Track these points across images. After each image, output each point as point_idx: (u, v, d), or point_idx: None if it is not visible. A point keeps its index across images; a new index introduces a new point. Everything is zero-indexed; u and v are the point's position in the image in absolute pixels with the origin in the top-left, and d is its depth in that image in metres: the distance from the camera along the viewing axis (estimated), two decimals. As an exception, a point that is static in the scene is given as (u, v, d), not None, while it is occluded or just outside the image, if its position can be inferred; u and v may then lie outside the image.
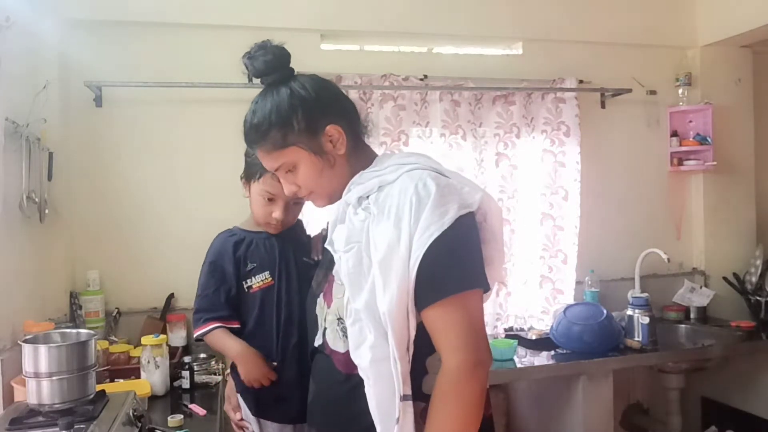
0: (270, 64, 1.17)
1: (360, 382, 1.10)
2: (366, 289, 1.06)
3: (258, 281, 1.65)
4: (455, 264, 1.02)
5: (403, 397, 1.04)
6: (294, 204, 1.64)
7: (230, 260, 1.65)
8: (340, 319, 1.16)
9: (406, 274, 1.02)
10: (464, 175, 1.20)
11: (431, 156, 1.22)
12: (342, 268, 1.11)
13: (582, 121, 2.86)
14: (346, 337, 1.13)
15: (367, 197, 1.13)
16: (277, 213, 1.61)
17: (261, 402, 1.64)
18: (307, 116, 1.14)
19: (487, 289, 1.09)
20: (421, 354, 1.06)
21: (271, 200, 1.60)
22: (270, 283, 1.65)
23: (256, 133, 1.17)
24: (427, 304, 1.02)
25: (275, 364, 1.61)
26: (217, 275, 1.65)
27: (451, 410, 1.01)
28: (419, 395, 1.06)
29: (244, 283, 1.65)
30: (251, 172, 1.62)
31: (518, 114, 2.80)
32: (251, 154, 1.57)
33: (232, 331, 1.64)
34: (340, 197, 1.20)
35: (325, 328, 1.21)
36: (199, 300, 1.67)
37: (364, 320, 1.07)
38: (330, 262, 1.21)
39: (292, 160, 1.17)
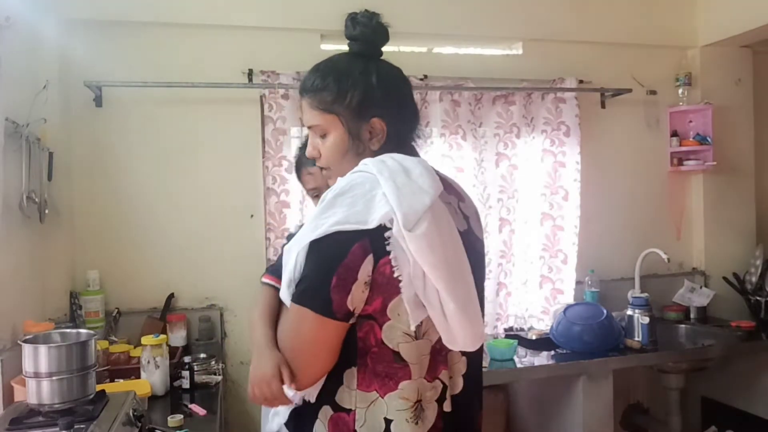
0: (363, 35, 1.14)
1: None
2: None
3: None
4: (305, 277, 1.01)
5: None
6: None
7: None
8: None
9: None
10: (417, 182, 1.02)
11: (405, 158, 1.08)
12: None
13: (582, 121, 2.86)
14: None
15: None
16: None
17: None
18: (362, 98, 1.11)
19: (323, 313, 0.98)
20: (340, 365, 1.03)
21: (317, 196, 1.64)
22: None
23: (312, 84, 1.14)
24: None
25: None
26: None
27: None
28: (334, 404, 1.04)
29: None
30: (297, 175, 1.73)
31: (518, 114, 2.80)
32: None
33: None
34: None
35: None
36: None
37: None
38: None
39: (326, 126, 1.13)
